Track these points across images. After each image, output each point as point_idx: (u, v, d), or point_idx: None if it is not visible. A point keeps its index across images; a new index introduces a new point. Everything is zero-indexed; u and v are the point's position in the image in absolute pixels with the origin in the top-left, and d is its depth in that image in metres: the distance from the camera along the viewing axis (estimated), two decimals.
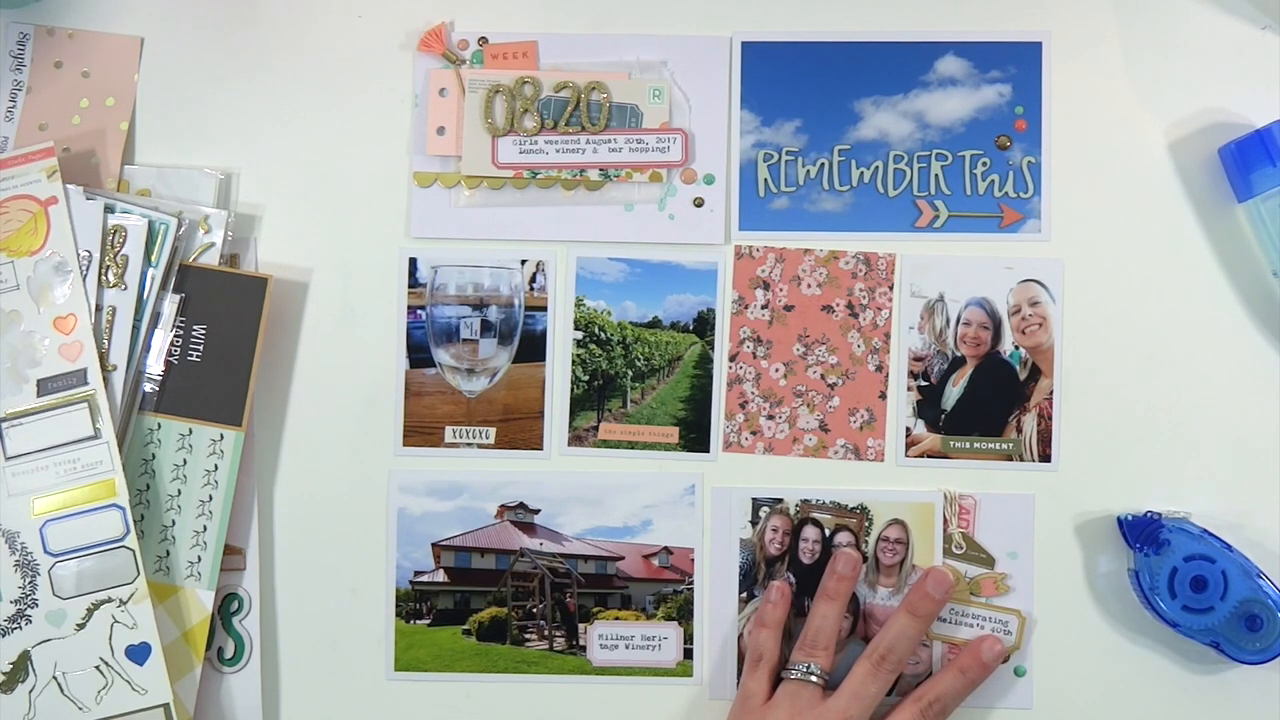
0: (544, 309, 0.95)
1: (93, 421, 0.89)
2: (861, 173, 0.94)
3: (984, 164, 0.94)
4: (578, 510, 0.94)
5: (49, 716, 0.87)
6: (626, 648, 0.93)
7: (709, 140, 0.94)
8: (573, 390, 0.94)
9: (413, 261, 0.95)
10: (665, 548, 0.94)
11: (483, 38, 0.95)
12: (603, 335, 0.95)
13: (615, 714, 0.93)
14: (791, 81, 0.94)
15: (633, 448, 0.94)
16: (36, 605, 0.88)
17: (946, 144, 0.94)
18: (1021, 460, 0.93)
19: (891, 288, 0.94)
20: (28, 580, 0.88)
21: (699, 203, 0.94)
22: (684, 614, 0.94)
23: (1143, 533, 0.90)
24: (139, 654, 0.88)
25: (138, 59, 0.95)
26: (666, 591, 0.94)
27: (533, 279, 0.95)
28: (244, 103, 0.95)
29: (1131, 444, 0.93)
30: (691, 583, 0.94)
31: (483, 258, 0.95)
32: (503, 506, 0.94)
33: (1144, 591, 0.90)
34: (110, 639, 0.88)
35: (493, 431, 0.94)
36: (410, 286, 0.95)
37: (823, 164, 0.94)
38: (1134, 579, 0.91)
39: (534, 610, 0.94)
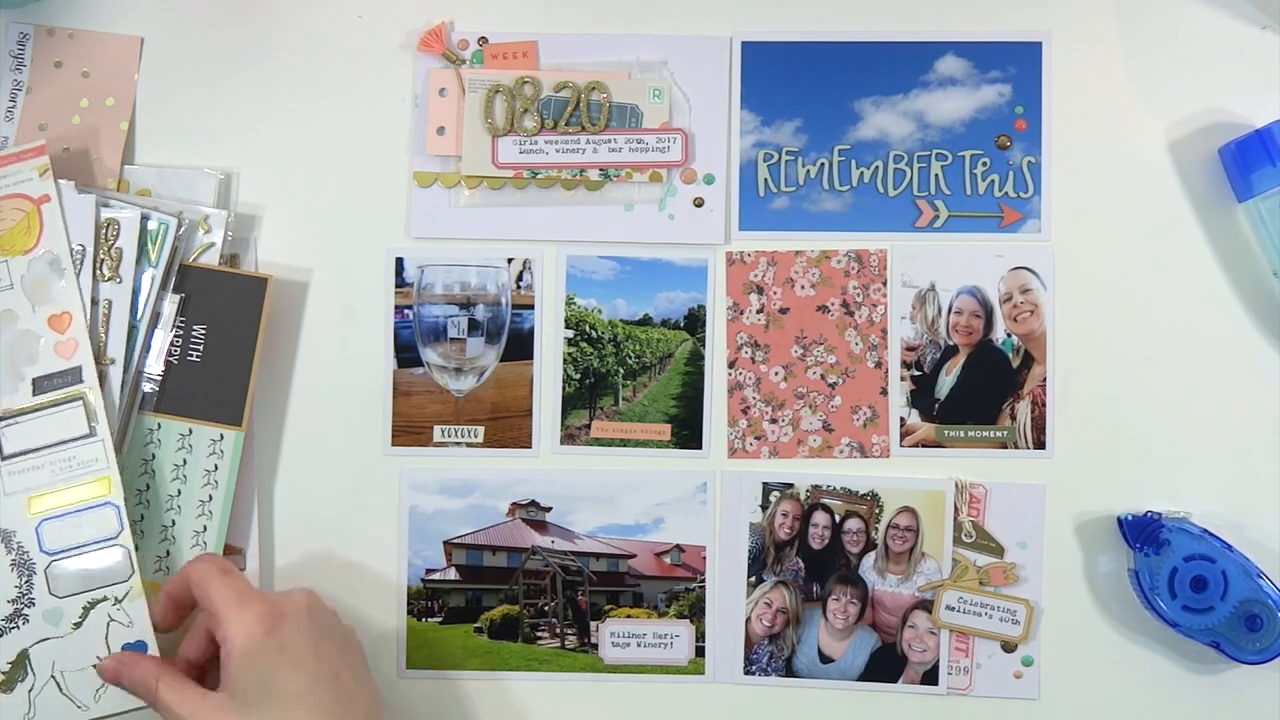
0: (531, 307, 0.94)
1: (88, 419, 0.88)
2: (861, 173, 0.94)
3: (984, 164, 0.94)
4: (589, 508, 0.94)
5: (48, 716, 0.86)
6: (638, 646, 0.93)
7: (709, 140, 0.94)
8: (564, 389, 0.94)
9: (399, 261, 0.94)
10: (677, 545, 0.94)
11: (483, 38, 0.95)
12: (593, 333, 0.94)
13: (627, 712, 0.93)
14: (791, 81, 0.94)
15: (625, 445, 0.94)
16: (33, 604, 0.87)
17: (946, 144, 0.94)
18: (1016, 448, 0.93)
19: (885, 283, 0.94)
20: (24, 579, 0.87)
21: (699, 203, 0.94)
22: (696, 611, 0.93)
23: (1143, 533, 0.90)
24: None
25: (138, 59, 0.95)
26: (678, 589, 0.94)
27: (520, 277, 0.94)
28: (244, 103, 0.95)
29: (1132, 443, 0.93)
30: (703, 580, 0.93)
31: (469, 256, 0.94)
32: (514, 504, 0.94)
33: (1144, 591, 0.90)
34: (107, 637, 0.87)
35: (481, 430, 0.94)
36: (398, 286, 0.94)
37: (823, 164, 0.94)
38: (1134, 579, 0.91)
39: (545, 608, 0.94)
